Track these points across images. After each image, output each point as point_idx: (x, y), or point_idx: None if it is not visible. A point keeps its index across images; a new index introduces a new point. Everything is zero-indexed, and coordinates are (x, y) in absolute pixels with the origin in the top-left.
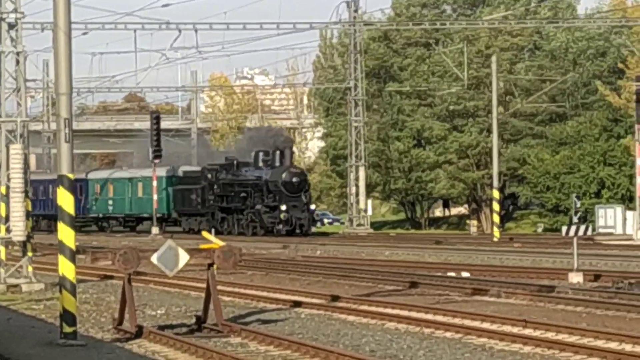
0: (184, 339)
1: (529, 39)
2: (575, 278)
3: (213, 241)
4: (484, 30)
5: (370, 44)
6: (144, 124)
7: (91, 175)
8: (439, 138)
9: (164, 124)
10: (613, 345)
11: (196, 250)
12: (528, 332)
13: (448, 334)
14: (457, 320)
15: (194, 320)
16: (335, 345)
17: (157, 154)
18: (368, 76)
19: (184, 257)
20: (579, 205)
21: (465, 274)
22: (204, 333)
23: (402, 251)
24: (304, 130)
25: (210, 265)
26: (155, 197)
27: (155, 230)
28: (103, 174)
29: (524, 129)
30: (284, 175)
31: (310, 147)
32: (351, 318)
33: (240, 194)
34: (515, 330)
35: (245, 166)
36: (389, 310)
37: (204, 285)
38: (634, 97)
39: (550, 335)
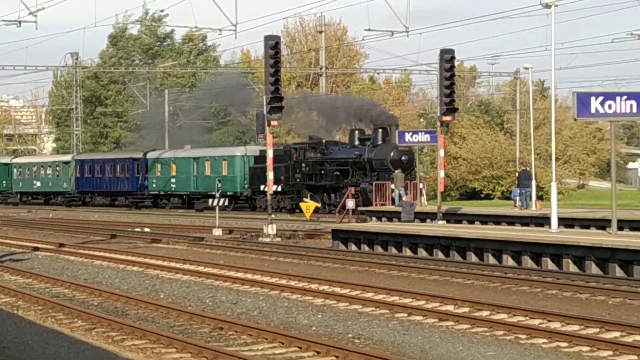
0: None
1: (188, 79)
2: (217, 232)
3: None
4: (159, 74)
5: (85, 80)
6: None
7: (150, 155)
8: (130, 142)
9: None
10: (240, 274)
11: None
12: (187, 266)
13: (135, 268)
14: (141, 259)
15: None
16: (61, 275)
17: None
18: (84, 102)
19: None
20: (219, 185)
21: (146, 229)
22: None
23: (107, 214)
24: (42, 136)
25: None
26: None
27: None
28: (164, 153)
29: (186, 137)
30: (392, 154)
31: (47, 147)
32: (72, 258)
33: (334, 173)
34: (178, 265)
35: (333, 145)
36: (97, 253)
37: None
38: (255, 117)
39: (201, 268)
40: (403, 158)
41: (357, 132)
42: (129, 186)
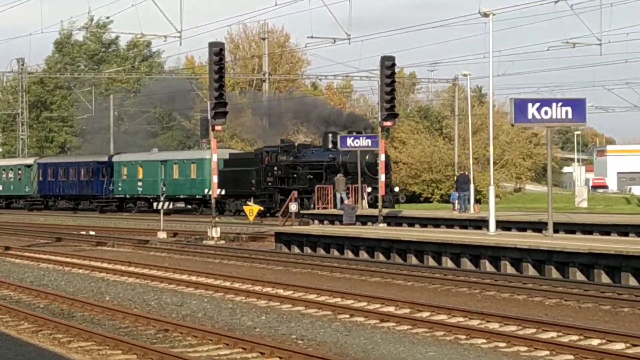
0: None
1: (133, 85)
2: (162, 235)
3: None
4: (104, 79)
5: (31, 86)
6: None
7: (116, 158)
8: (76, 147)
9: None
10: (185, 277)
11: None
12: (132, 269)
13: (80, 271)
14: (86, 262)
15: None
16: (7, 278)
17: None
18: (30, 107)
19: None
20: (164, 189)
21: (92, 232)
22: None
23: (52, 218)
24: None
25: None
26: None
27: None
28: (130, 157)
29: (131, 141)
30: (367, 157)
31: None
32: (18, 261)
33: (307, 176)
34: (123, 268)
35: (305, 148)
36: (42, 256)
37: None
38: (199, 123)
39: (146, 270)
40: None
41: (330, 135)
42: (94, 190)
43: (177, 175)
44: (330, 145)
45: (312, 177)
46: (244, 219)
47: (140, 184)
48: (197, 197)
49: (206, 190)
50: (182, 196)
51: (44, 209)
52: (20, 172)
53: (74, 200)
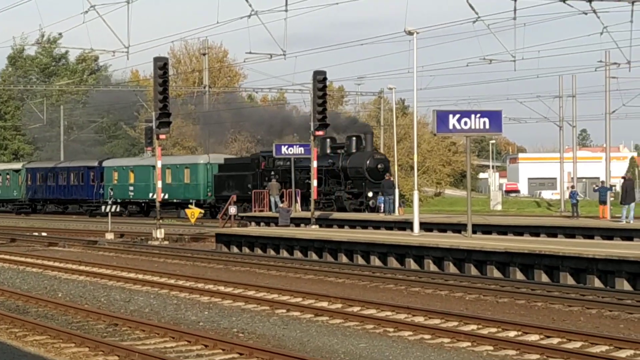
0: None
1: (82, 96)
2: (109, 235)
3: None
4: (55, 91)
5: None
6: None
7: (106, 163)
8: (28, 154)
9: None
10: (132, 275)
11: None
12: (82, 267)
13: (34, 269)
14: (39, 261)
15: None
16: None
17: None
18: None
19: None
20: (112, 193)
21: (44, 234)
22: None
23: (6, 221)
24: None
25: None
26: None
27: None
28: (121, 161)
29: (80, 148)
30: (368, 162)
31: None
32: None
33: (305, 181)
34: (74, 266)
35: None
36: None
37: None
38: (144, 132)
39: (95, 269)
40: (379, 166)
41: (329, 140)
42: (84, 194)
43: (169, 180)
44: (328, 151)
45: (310, 181)
46: (185, 221)
47: (131, 188)
48: (192, 201)
49: (202, 195)
50: (175, 200)
51: (31, 213)
52: (8, 176)
53: (62, 205)
